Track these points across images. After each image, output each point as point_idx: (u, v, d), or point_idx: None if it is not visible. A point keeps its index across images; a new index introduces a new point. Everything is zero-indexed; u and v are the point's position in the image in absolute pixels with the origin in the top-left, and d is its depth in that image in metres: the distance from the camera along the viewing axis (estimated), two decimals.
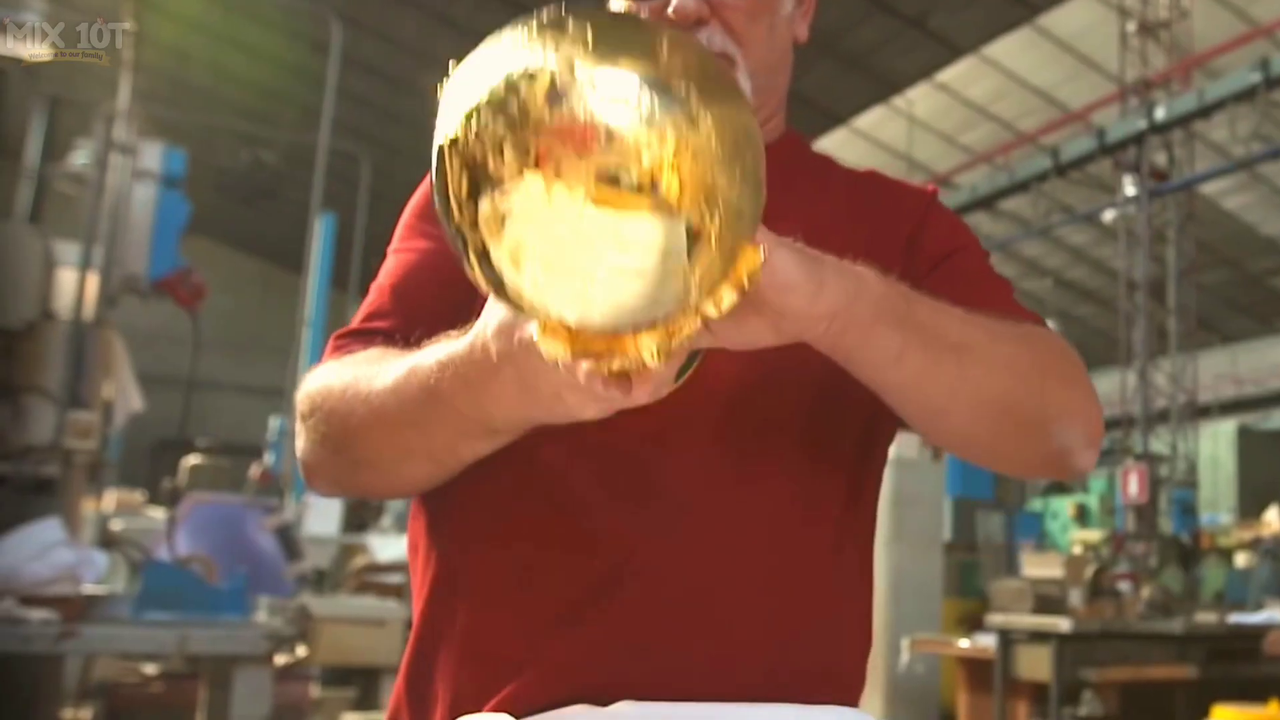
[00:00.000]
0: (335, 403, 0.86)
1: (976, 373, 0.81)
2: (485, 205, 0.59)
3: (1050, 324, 0.96)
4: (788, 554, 0.89)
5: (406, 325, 0.91)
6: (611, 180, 0.57)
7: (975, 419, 0.84)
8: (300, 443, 0.91)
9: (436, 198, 0.63)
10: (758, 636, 0.86)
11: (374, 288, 1.00)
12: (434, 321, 0.86)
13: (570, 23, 0.60)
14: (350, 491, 0.96)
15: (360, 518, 8.13)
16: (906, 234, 0.98)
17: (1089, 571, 5.77)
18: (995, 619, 5.22)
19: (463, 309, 0.86)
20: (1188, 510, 11.40)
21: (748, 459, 0.89)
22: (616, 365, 0.66)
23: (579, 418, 0.73)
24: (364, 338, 0.95)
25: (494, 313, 0.73)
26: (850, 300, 0.74)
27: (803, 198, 0.96)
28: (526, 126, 0.57)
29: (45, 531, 2.86)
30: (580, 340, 0.65)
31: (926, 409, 0.85)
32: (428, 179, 0.99)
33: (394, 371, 0.82)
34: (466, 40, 0.64)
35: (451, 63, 0.63)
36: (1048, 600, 5.38)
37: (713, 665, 0.84)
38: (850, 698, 0.92)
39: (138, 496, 7.32)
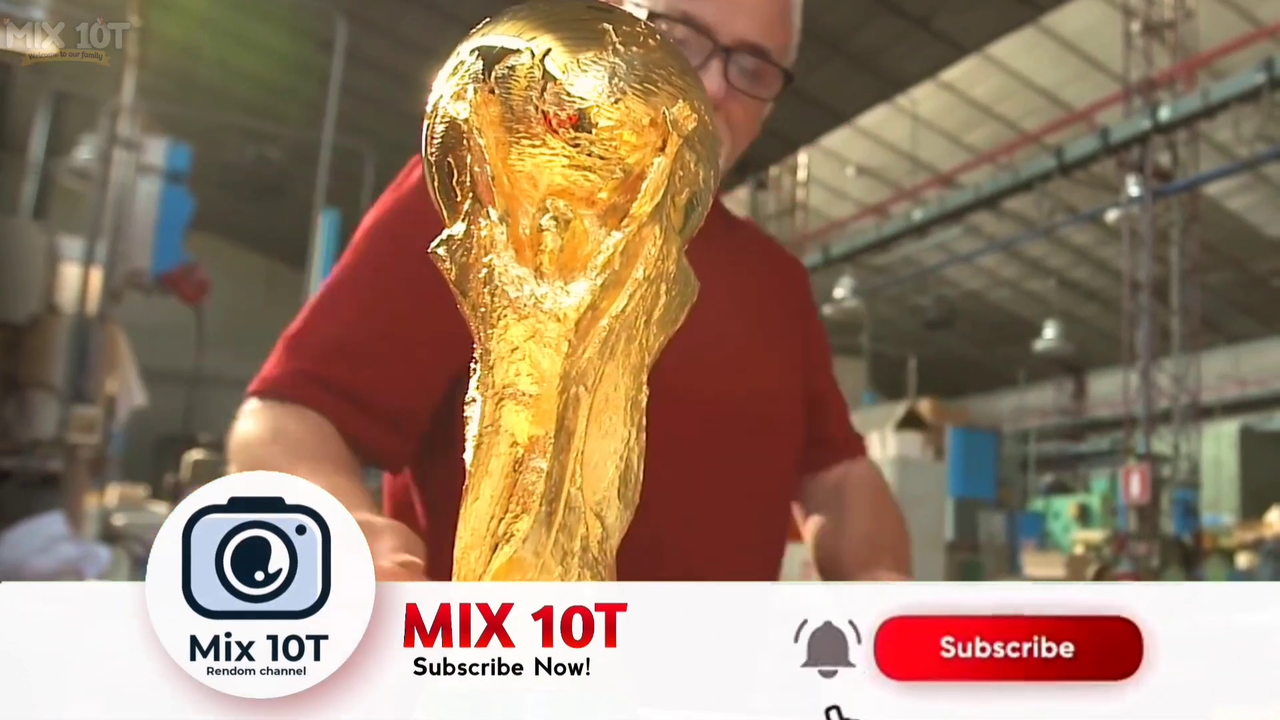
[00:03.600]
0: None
1: None
2: None
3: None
4: (776, 528, 1.09)
5: (369, 382, 0.90)
6: None
7: None
8: None
9: None
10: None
11: (343, 321, 0.95)
12: (393, 380, 0.89)
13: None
14: None
15: None
16: (801, 322, 1.14)
17: (1091, 571, 5.78)
18: None
19: (427, 370, 0.90)
20: (1190, 511, 11.38)
21: (750, 458, 1.03)
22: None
23: None
24: (330, 394, 0.90)
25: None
26: None
27: (723, 271, 0.92)
28: None
29: (48, 526, 2.87)
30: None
31: None
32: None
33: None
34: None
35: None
36: None
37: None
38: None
39: (140, 491, 7.32)
